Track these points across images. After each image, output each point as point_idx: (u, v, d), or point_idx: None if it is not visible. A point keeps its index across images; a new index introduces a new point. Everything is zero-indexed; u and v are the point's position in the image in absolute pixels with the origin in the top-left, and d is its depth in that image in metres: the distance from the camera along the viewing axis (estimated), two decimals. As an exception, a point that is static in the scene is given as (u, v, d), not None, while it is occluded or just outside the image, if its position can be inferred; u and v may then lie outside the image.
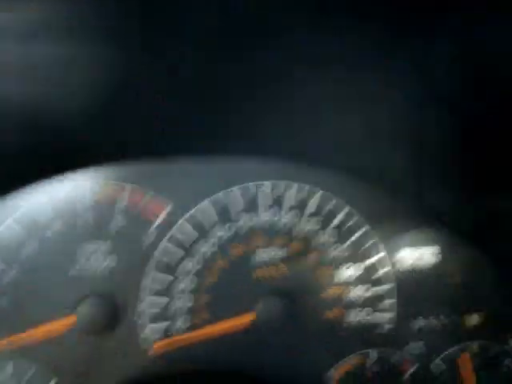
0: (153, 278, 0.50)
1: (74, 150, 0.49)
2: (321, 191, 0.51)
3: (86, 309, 0.49)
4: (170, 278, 0.51)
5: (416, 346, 0.53)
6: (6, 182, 0.51)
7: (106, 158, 0.50)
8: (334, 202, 0.51)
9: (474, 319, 0.54)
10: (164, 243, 0.50)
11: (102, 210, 0.50)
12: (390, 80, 0.44)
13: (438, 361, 0.53)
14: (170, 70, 0.43)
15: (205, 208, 0.51)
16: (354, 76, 0.43)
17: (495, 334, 0.54)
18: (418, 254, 0.52)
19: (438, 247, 0.53)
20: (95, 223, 0.50)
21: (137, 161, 0.50)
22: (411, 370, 0.53)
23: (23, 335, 0.50)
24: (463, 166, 0.49)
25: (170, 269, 0.50)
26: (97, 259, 0.50)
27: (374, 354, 0.52)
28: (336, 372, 0.52)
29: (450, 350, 0.53)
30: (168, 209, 0.50)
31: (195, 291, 0.51)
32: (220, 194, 0.51)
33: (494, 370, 0.54)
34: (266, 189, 0.51)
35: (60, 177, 0.51)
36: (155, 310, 0.50)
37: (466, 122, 0.45)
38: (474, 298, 0.54)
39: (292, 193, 0.51)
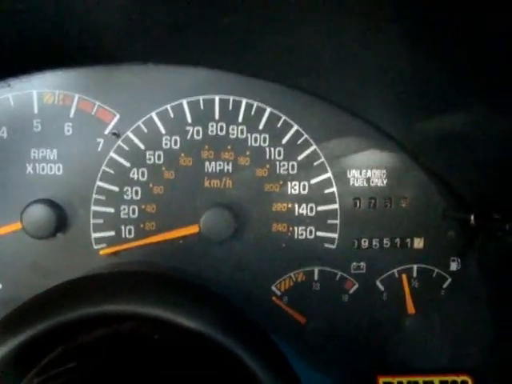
0: (99, 189, 0.51)
1: (25, 54, 0.48)
2: (270, 108, 0.52)
3: (32, 213, 0.50)
4: (116, 188, 0.51)
5: (358, 267, 0.54)
6: None
7: (55, 65, 0.50)
8: (282, 120, 0.52)
9: (416, 244, 0.55)
10: (112, 154, 0.51)
11: (50, 118, 0.51)
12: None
13: (378, 282, 0.55)
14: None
15: (152, 120, 0.51)
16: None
17: (436, 259, 0.55)
18: (364, 176, 0.53)
19: (385, 170, 0.54)
20: (43, 131, 0.51)
21: (86, 69, 0.50)
22: (353, 289, 0.55)
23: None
24: (411, 87, 0.49)
25: (116, 180, 0.51)
26: (44, 166, 0.51)
27: (316, 272, 0.54)
28: (278, 288, 0.54)
29: (390, 272, 0.55)
30: (116, 119, 0.51)
31: (141, 202, 0.51)
32: (167, 107, 0.51)
33: (433, 293, 0.56)
34: (215, 103, 0.51)
35: (8, 82, 0.51)
36: (101, 221, 0.51)
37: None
38: (418, 224, 0.55)
39: (241, 108, 0.51)
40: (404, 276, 0.54)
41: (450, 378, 0.55)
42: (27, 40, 0.46)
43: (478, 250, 0.55)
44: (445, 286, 0.55)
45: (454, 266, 0.55)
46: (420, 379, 0.55)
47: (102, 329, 0.41)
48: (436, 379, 0.55)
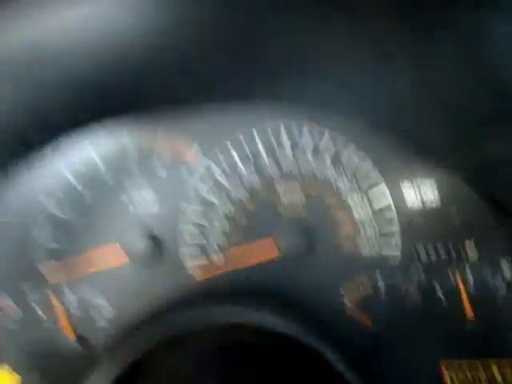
0: (192, 223, 0.59)
1: (115, 103, 0.56)
2: (338, 143, 0.59)
3: (134, 247, 0.58)
4: (206, 223, 0.59)
5: (417, 275, 0.61)
6: (56, 133, 0.59)
7: (148, 114, 0.58)
8: (348, 154, 0.59)
9: (471, 253, 0.61)
10: (199, 190, 0.59)
11: (147, 162, 0.59)
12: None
13: (437, 290, 0.61)
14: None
15: (229, 150, 0.59)
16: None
17: (492, 267, 0.61)
18: (420, 201, 0.60)
19: (437, 193, 0.60)
20: (141, 174, 0.59)
21: (167, 111, 0.58)
22: (415, 298, 0.61)
23: (81, 272, 0.60)
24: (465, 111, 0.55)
25: (205, 215, 0.59)
26: (144, 205, 0.59)
27: (382, 284, 0.61)
28: (349, 299, 0.61)
29: (448, 280, 0.61)
30: (197, 152, 0.59)
31: (228, 233, 0.59)
32: (241, 137, 0.59)
33: (490, 300, 0.62)
34: (286, 134, 0.59)
35: (100, 128, 0.59)
36: (194, 248, 0.59)
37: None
38: (471, 235, 0.61)
39: (305, 133, 0.59)
40: (461, 283, 0.61)
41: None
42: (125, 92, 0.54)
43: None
44: (501, 292, 0.61)
45: (507, 272, 0.61)
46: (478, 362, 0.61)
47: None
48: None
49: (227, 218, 0.59)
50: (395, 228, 0.60)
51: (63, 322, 0.60)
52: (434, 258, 0.61)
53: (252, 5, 0.46)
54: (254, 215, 0.59)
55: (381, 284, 0.61)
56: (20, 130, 0.54)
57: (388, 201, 0.60)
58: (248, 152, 0.59)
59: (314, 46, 0.50)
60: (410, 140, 0.56)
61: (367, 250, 0.61)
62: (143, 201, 0.59)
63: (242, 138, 0.59)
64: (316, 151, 0.59)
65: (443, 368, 0.61)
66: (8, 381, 0.56)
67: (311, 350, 0.49)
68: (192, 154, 0.59)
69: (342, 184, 0.59)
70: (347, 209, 0.60)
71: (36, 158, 0.59)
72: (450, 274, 0.61)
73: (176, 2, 0.44)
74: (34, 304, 0.61)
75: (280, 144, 0.59)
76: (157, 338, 0.50)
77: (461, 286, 0.61)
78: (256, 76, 0.52)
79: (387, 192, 0.60)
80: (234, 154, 0.59)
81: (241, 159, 0.59)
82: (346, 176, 0.59)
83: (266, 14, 0.47)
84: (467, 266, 0.61)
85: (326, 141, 0.59)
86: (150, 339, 0.51)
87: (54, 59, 0.46)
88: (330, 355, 0.50)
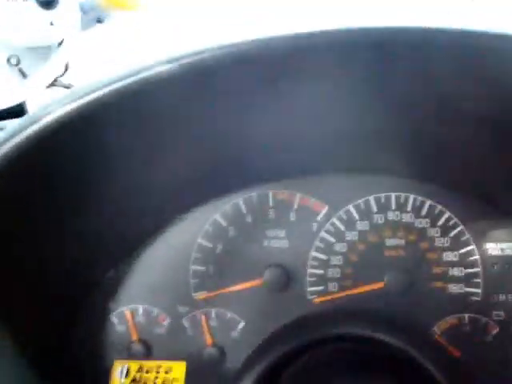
0: (313, 257, 0.75)
1: (263, 168, 0.75)
2: (429, 201, 0.75)
3: (268, 273, 0.74)
4: (325, 257, 0.75)
5: (497, 314, 0.74)
6: (213, 188, 0.77)
7: (284, 175, 0.76)
8: (438, 208, 0.75)
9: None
10: (322, 233, 0.75)
11: (281, 208, 0.76)
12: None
13: (513, 325, 0.74)
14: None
15: (350, 210, 0.75)
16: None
17: None
18: (499, 247, 0.74)
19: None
20: (276, 217, 0.76)
21: (304, 176, 0.76)
22: (494, 332, 0.74)
23: (221, 291, 0.76)
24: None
25: (325, 251, 0.75)
26: (276, 241, 0.76)
27: (466, 317, 0.74)
28: (438, 328, 0.74)
29: None
30: (325, 210, 0.76)
31: (342, 266, 0.75)
32: (360, 202, 0.75)
33: None
34: (391, 198, 0.75)
35: (251, 186, 0.77)
36: (315, 279, 0.75)
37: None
38: None
39: (410, 201, 0.75)
40: (534, 321, 0.73)
41: None
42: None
43: None
44: None
45: None
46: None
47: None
48: None
49: (343, 254, 0.75)
50: (477, 270, 0.74)
51: (204, 329, 0.76)
52: (511, 299, 0.74)
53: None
54: (364, 253, 0.75)
55: (465, 317, 0.74)
56: (191, 181, 0.73)
57: (472, 247, 0.74)
58: (364, 212, 0.76)
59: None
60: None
61: (453, 288, 0.74)
62: (276, 237, 0.76)
63: (362, 203, 0.76)
64: (417, 212, 0.75)
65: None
66: (179, 366, 0.70)
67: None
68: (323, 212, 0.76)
69: (434, 232, 0.75)
70: (438, 252, 0.75)
71: (198, 203, 0.77)
72: (524, 313, 0.74)
73: None
74: (180, 314, 0.77)
75: (390, 208, 0.76)
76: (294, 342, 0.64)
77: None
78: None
79: (471, 240, 0.74)
80: (354, 212, 0.76)
81: (359, 215, 0.76)
82: (438, 226, 0.75)
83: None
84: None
85: (425, 209, 0.75)
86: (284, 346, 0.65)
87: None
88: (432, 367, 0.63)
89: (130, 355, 0.76)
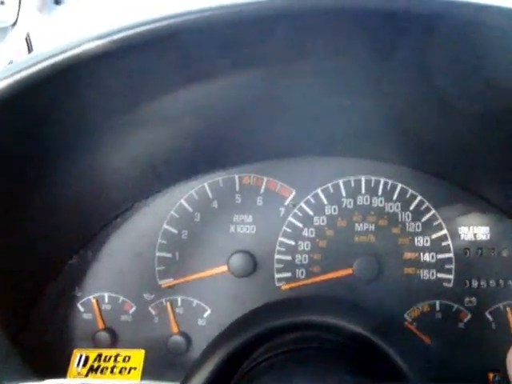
0: (281, 243, 0.73)
1: (230, 152, 0.72)
2: (401, 185, 0.72)
3: (235, 260, 0.72)
4: (293, 243, 0.73)
5: (470, 301, 0.72)
6: (180, 173, 0.75)
7: (251, 159, 0.73)
8: (409, 192, 0.72)
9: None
10: (290, 218, 0.73)
11: (247, 193, 0.74)
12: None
13: (487, 313, 0.72)
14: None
15: (318, 194, 0.73)
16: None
17: None
18: (472, 232, 0.72)
19: (488, 228, 0.72)
20: (242, 202, 0.74)
21: (271, 160, 0.73)
22: (466, 319, 0.72)
23: (186, 278, 0.74)
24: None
25: (293, 236, 0.73)
26: (243, 227, 0.74)
27: (438, 304, 0.72)
28: (409, 315, 0.72)
29: (497, 306, 0.71)
30: (292, 194, 0.73)
31: (310, 252, 0.73)
32: (329, 185, 0.73)
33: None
34: (361, 181, 0.73)
35: (217, 170, 0.75)
36: (282, 265, 0.73)
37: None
38: None
39: (380, 184, 0.72)
40: (508, 309, 0.71)
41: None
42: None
43: None
44: None
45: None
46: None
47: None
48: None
49: (311, 240, 0.73)
50: (450, 256, 0.72)
51: (170, 317, 0.74)
52: (483, 285, 0.72)
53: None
54: (332, 239, 0.72)
55: (436, 303, 0.72)
56: (155, 165, 0.70)
57: (444, 232, 0.72)
58: (333, 196, 0.73)
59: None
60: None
61: (425, 274, 0.72)
62: (242, 222, 0.74)
63: (330, 187, 0.73)
64: (388, 196, 0.73)
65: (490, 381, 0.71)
66: (137, 354, 0.69)
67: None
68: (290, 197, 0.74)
69: (406, 217, 0.72)
70: (409, 237, 0.72)
71: (162, 189, 0.75)
72: (498, 300, 0.71)
73: None
74: (146, 302, 0.75)
75: (359, 192, 0.73)
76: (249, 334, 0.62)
77: (508, 311, 0.71)
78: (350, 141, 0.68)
79: (443, 224, 0.72)
80: (323, 196, 0.73)
81: (327, 200, 0.73)
82: (409, 211, 0.72)
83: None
84: (513, 293, 0.71)
85: (397, 193, 0.73)
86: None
87: (204, 116, 0.62)
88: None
89: (96, 343, 0.74)
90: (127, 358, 0.67)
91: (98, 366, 0.65)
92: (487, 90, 0.51)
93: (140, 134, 0.61)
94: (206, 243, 0.74)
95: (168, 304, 0.74)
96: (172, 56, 0.46)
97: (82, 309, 0.76)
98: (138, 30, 0.39)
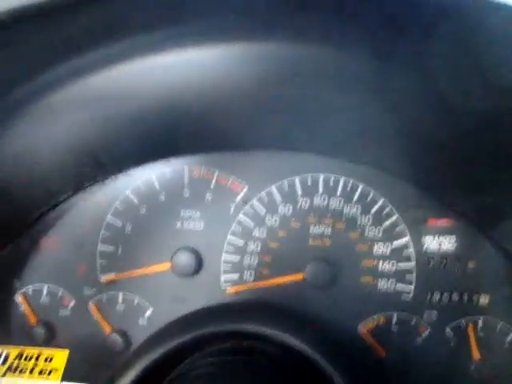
0: (229, 242, 0.68)
1: (179, 141, 0.67)
2: (362, 185, 0.66)
3: (179, 257, 0.67)
4: (242, 242, 0.67)
5: (430, 314, 0.66)
6: (125, 162, 0.70)
7: (203, 149, 0.67)
8: (371, 194, 0.66)
9: (482, 299, 0.66)
10: (240, 216, 0.67)
11: (196, 187, 0.68)
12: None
13: (447, 329, 0.66)
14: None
15: (272, 191, 0.67)
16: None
17: (502, 314, 0.66)
18: (437, 241, 0.66)
19: (455, 236, 0.66)
20: (190, 197, 0.68)
21: (224, 153, 0.67)
22: (425, 333, 0.66)
23: (129, 274, 0.69)
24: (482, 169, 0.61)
25: (242, 235, 0.67)
26: (190, 223, 0.68)
27: (395, 316, 0.67)
28: (364, 327, 0.67)
29: (458, 321, 0.66)
30: (244, 190, 0.67)
31: (259, 254, 0.67)
32: (284, 181, 0.67)
33: (497, 344, 0.66)
34: (319, 180, 0.67)
35: (166, 160, 0.69)
36: (229, 266, 0.68)
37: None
38: (484, 282, 0.66)
39: (340, 184, 0.66)
40: (470, 325, 0.65)
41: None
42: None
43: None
44: (509, 338, 0.65)
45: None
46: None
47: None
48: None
49: (261, 240, 0.67)
50: (411, 265, 0.66)
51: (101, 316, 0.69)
52: (446, 298, 0.66)
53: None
54: (285, 241, 0.67)
55: (394, 315, 0.66)
56: (95, 153, 0.65)
57: (407, 239, 0.66)
58: (287, 194, 0.68)
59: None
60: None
61: (383, 283, 0.67)
62: (190, 218, 0.68)
63: (286, 184, 0.67)
64: (347, 197, 0.67)
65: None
66: (61, 355, 0.64)
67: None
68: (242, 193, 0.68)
69: (366, 221, 0.66)
70: (369, 243, 0.66)
71: (106, 178, 0.69)
72: (460, 315, 0.66)
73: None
74: (86, 297, 0.70)
75: (317, 191, 0.67)
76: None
77: (470, 327, 0.66)
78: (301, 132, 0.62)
79: (407, 231, 0.66)
80: (277, 194, 0.67)
81: (282, 198, 0.67)
82: (370, 214, 0.66)
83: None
84: (477, 310, 0.66)
85: (357, 194, 0.67)
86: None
87: (134, 99, 0.56)
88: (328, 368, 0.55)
89: (31, 339, 0.70)
90: (49, 359, 0.62)
91: (18, 365, 0.61)
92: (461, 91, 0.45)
93: (68, 116, 0.56)
94: (150, 238, 0.69)
95: (108, 301, 0.69)
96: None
97: (18, 301, 0.71)
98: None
